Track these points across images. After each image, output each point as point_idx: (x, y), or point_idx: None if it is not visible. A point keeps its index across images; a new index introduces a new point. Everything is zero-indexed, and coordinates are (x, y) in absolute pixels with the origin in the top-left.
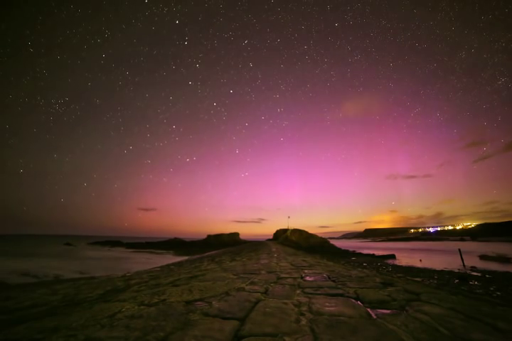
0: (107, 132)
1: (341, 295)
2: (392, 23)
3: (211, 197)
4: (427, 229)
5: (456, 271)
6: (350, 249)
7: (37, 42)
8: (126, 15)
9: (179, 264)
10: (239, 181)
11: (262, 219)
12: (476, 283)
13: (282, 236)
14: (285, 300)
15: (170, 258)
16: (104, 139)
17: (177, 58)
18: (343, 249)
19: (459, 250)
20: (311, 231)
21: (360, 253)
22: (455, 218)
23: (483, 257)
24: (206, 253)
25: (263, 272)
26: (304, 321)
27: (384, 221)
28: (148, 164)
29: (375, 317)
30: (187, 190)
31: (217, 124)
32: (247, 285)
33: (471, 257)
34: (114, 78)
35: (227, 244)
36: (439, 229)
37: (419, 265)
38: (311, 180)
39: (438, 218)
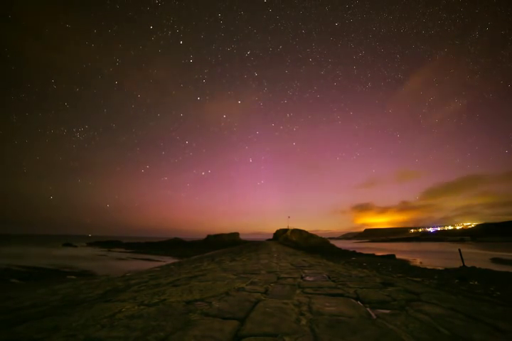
0: (124, 154)
1: (341, 295)
2: (394, 15)
3: (229, 207)
4: (427, 229)
5: (456, 271)
6: (350, 249)
7: (58, 78)
8: (133, 42)
9: (179, 264)
10: (255, 189)
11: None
12: (476, 283)
13: (282, 236)
14: (285, 300)
15: (169, 258)
16: (123, 161)
17: (184, 76)
18: (343, 249)
19: (459, 250)
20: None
21: (360, 253)
22: (456, 218)
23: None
24: (206, 254)
25: (263, 272)
26: (304, 321)
27: (385, 220)
28: (165, 181)
29: (375, 317)
30: (204, 203)
31: (228, 135)
32: (247, 285)
33: (472, 257)
34: (127, 102)
35: (227, 244)
36: (439, 229)
37: (419, 265)
38: (325, 180)
39: (439, 218)
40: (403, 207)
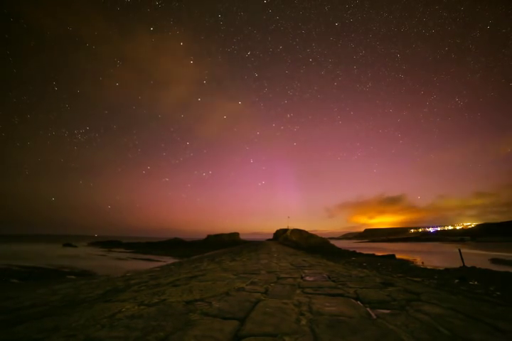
0: (125, 155)
1: (341, 295)
2: (395, 14)
3: (229, 208)
4: (427, 229)
5: (456, 271)
6: (351, 249)
7: (60, 80)
8: (134, 43)
9: (179, 264)
10: (256, 191)
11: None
12: (476, 283)
13: (282, 236)
14: (285, 300)
15: (169, 258)
16: (124, 162)
17: (185, 77)
18: (343, 249)
19: (459, 250)
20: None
21: (360, 253)
22: (456, 217)
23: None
24: (206, 254)
25: (263, 272)
26: (304, 321)
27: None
28: (166, 182)
29: (375, 317)
30: (205, 204)
31: (229, 136)
32: (247, 285)
33: (472, 258)
34: (128, 104)
35: (227, 244)
36: (439, 229)
37: (419, 265)
38: (328, 181)
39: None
40: (439, 201)
